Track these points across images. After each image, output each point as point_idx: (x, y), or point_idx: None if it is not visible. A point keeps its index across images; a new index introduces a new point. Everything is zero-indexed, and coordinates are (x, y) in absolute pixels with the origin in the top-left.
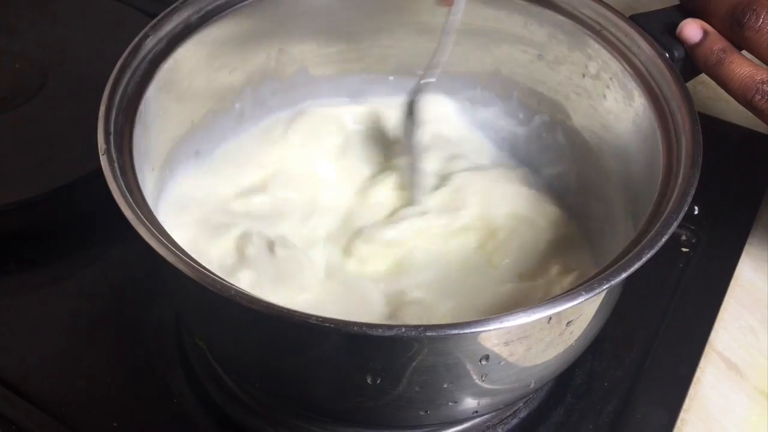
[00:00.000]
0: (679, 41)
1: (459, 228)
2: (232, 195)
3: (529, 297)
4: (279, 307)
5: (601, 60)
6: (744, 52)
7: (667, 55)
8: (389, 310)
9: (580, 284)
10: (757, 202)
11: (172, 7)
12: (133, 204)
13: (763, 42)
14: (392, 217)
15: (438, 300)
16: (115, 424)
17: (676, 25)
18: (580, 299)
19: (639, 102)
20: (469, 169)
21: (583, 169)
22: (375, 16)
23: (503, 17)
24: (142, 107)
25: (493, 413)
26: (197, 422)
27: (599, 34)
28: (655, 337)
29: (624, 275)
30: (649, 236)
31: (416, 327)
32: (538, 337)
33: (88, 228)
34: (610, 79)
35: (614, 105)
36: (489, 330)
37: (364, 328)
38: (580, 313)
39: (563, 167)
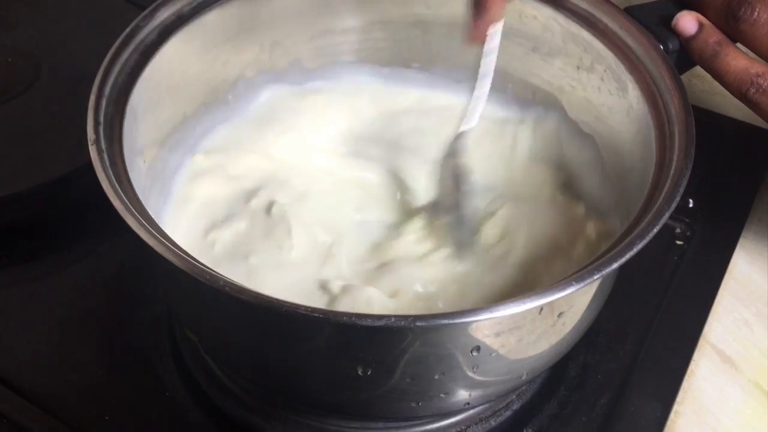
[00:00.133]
0: (674, 33)
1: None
2: (228, 189)
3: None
4: (267, 297)
5: (595, 52)
6: (739, 45)
7: (661, 47)
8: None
9: (571, 274)
10: (752, 196)
11: None
12: (122, 194)
13: (759, 35)
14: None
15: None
16: (107, 418)
17: (671, 17)
18: (571, 289)
19: (633, 94)
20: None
21: (578, 161)
22: (368, 8)
23: None
24: (133, 98)
25: (486, 405)
26: (189, 415)
27: (593, 26)
28: (649, 330)
29: (615, 265)
30: (640, 227)
31: (406, 317)
32: (529, 328)
33: (81, 222)
34: (605, 71)
35: (608, 97)
36: (479, 320)
37: (353, 318)
38: (571, 304)
39: (558, 160)
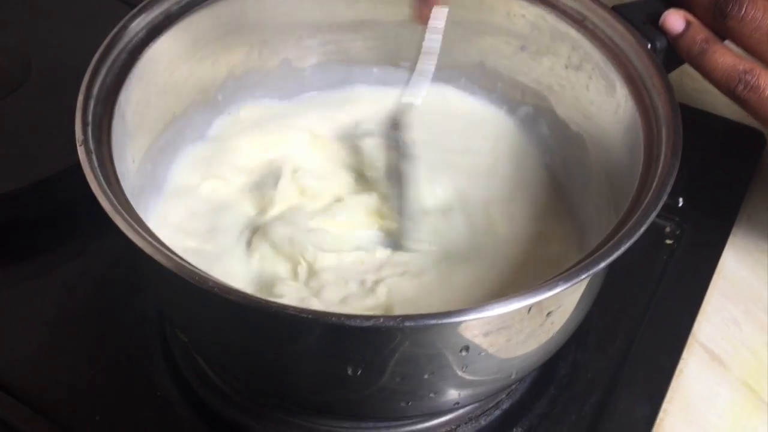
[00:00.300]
0: (662, 32)
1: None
2: (216, 190)
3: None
4: (256, 298)
5: (583, 51)
6: (727, 42)
7: (649, 45)
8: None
9: (559, 274)
10: (742, 194)
11: None
12: (111, 195)
13: (746, 31)
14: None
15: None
16: (97, 418)
17: (658, 15)
18: (559, 289)
19: (621, 93)
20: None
21: (568, 160)
22: (357, 7)
23: (486, 8)
24: (121, 98)
25: (476, 404)
26: (180, 415)
27: (581, 24)
28: (638, 329)
29: (602, 265)
30: (628, 226)
31: (394, 317)
32: (518, 328)
33: (71, 221)
34: (593, 69)
35: (597, 96)
36: (468, 320)
37: (342, 319)
38: (560, 303)
39: (547, 158)
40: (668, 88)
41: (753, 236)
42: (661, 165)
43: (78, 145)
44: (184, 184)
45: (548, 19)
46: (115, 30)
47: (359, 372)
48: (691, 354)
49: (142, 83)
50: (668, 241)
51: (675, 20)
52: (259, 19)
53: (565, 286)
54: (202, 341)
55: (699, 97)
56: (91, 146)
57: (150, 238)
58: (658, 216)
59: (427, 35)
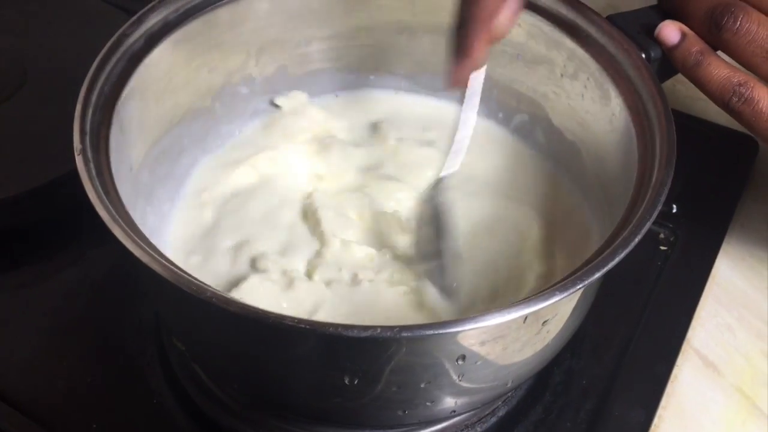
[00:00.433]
0: (657, 42)
1: None
2: (215, 196)
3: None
4: (254, 308)
5: (578, 60)
6: (721, 54)
7: (643, 55)
8: None
9: (555, 284)
10: (735, 201)
11: (150, 5)
12: (108, 204)
13: (741, 44)
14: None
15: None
16: (94, 426)
17: (653, 25)
18: (555, 299)
19: (615, 102)
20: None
21: (562, 168)
22: (354, 15)
23: None
24: (119, 106)
25: (473, 412)
26: (177, 423)
27: (576, 34)
28: (633, 335)
29: (597, 275)
30: (622, 236)
31: (391, 328)
32: (514, 337)
33: (69, 227)
34: (588, 78)
35: (591, 104)
36: (464, 330)
37: (339, 329)
38: (555, 312)
39: (545, 167)
40: (662, 97)
41: (746, 243)
42: (655, 175)
43: (76, 154)
44: (183, 191)
45: (544, 28)
46: (114, 38)
47: (356, 381)
48: (686, 360)
49: (140, 91)
50: (662, 248)
51: (670, 32)
52: (256, 27)
53: (560, 297)
54: (199, 350)
55: (692, 104)
56: (89, 155)
57: (147, 247)
58: (652, 223)
59: (467, 101)
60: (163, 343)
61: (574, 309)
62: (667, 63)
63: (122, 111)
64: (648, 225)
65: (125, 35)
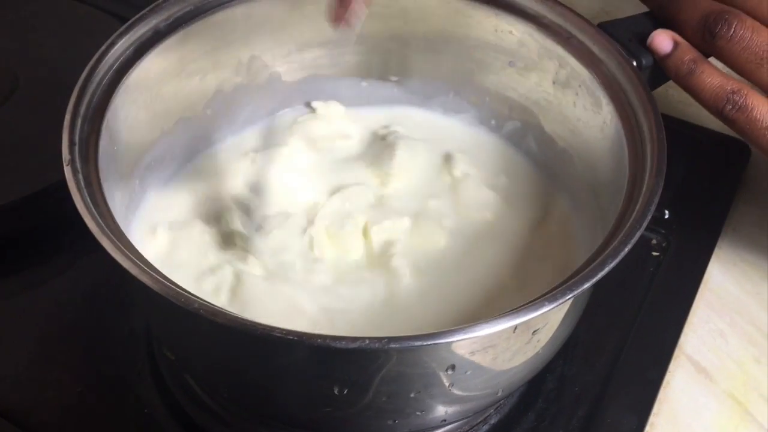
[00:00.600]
0: (649, 51)
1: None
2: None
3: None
4: (242, 319)
5: (570, 67)
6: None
7: (634, 63)
8: None
9: (544, 294)
10: (727, 206)
11: (140, 14)
12: (97, 215)
13: (735, 51)
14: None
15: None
16: None
17: (645, 32)
18: (544, 309)
19: (606, 110)
20: None
21: (554, 176)
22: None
23: (474, 24)
24: (109, 116)
25: (464, 420)
26: None
27: (568, 41)
28: (625, 341)
29: (587, 285)
30: (612, 246)
31: (380, 339)
32: (504, 346)
33: (58, 236)
34: (579, 86)
35: (583, 112)
36: (453, 341)
37: (327, 341)
38: (545, 322)
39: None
40: (653, 105)
41: (739, 248)
42: (645, 183)
43: (64, 164)
44: (171, 201)
45: (535, 36)
46: (103, 48)
47: (345, 391)
48: (678, 366)
49: (130, 100)
50: (654, 253)
51: (662, 41)
52: (246, 35)
53: (550, 307)
54: (188, 360)
55: (684, 109)
56: (78, 165)
57: (135, 258)
58: (642, 231)
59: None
60: (154, 352)
61: (565, 318)
62: (658, 71)
63: (112, 120)
64: (638, 235)
65: (114, 44)
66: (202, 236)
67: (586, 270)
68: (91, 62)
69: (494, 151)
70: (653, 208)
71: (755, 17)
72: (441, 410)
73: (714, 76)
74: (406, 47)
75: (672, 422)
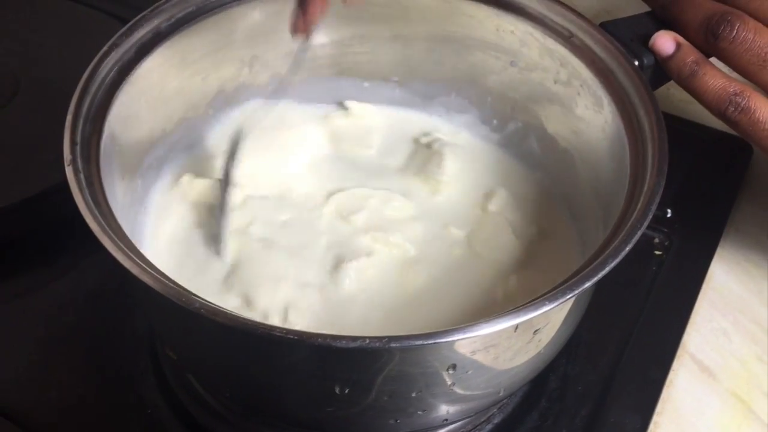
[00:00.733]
0: (651, 51)
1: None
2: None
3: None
4: (242, 319)
5: (571, 67)
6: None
7: (636, 62)
8: None
9: (545, 293)
10: (730, 205)
11: (141, 15)
12: (99, 215)
13: (737, 53)
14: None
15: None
16: None
17: (646, 32)
18: (545, 308)
19: (608, 110)
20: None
21: (556, 176)
22: (348, 22)
23: (475, 24)
24: (110, 116)
25: (467, 419)
26: None
27: (569, 41)
28: (628, 340)
29: (587, 284)
30: (613, 245)
31: (380, 338)
32: (505, 346)
33: (61, 237)
34: (581, 86)
35: (585, 112)
36: (454, 340)
37: (327, 340)
38: (547, 321)
39: (537, 174)
40: (654, 105)
41: (741, 246)
42: (646, 184)
43: (66, 165)
44: (173, 202)
45: (536, 35)
46: (105, 48)
47: (347, 390)
48: (681, 365)
49: (132, 101)
50: (657, 252)
51: (665, 42)
52: (248, 36)
53: (550, 306)
54: (190, 359)
55: (686, 108)
56: (80, 165)
57: (136, 258)
58: (646, 227)
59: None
60: (157, 353)
61: (566, 317)
62: (660, 71)
63: (114, 120)
64: (638, 234)
65: (116, 45)
66: (206, 238)
67: (587, 269)
68: (93, 62)
69: (496, 151)
70: (654, 208)
71: (758, 18)
72: (443, 409)
73: (716, 77)
74: (407, 48)
75: (675, 421)
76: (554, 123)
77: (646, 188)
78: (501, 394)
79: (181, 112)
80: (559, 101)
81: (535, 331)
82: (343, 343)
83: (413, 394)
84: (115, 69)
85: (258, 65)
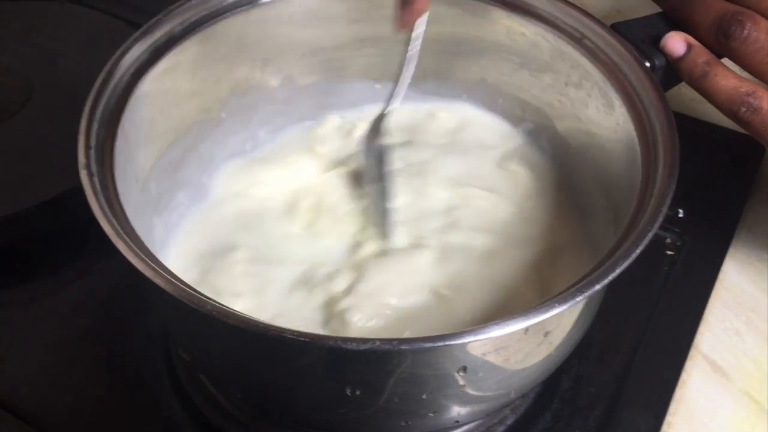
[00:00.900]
0: (662, 53)
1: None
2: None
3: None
4: (254, 321)
5: (582, 69)
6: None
7: (647, 64)
8: None
9: (556, 295)
10: (742, 204)
11: (154, 19)
12: (113, 219)
13: (749, 52)
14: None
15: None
16: None
17: (657, 33)
18: (555, 311)
19: (619, 111)
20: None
21: (567, 177)
22: (359, 24)
23: (486, 26)
24: (124, 120)
25: (480, 421)
26: None
27: (580, 42)
28: (640, 341)
29: (598, 286)
30: (624, 247)
31: (390, 341)
32: (516, 348)
33: (76, 241)
34: (592, 87)
35: (596, 113)
36: (463, 343)
37: (338, 342)
38: (558, 323)
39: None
40: (665, 106)
41: (754, 246)
42: (658, 184)
43: (80, 168)
44: (190, 204)
45: (547, 37)
46: (118, 53)
47: (358, 392)
48: (694, 365)
49: (145, 105)
50: (669, 252)
51: (676, 43)
52: (261, 38)
53: (561, 308)
54: (203, 361)
55: (698, 107)
56: (94, 169)
57: (150, 261)
58: (655, 232)
59: (411, 43)
60: (171, 355)
61: (578, 319)
62: (671, 72)
63: (127, 124)
64: (650, 236)
65: (129, 49)
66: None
67: (598, 271)
68: (107, 66)
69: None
70: (665, 209)
71: None
72: (454, 411)
73: (728, 78)
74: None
75: (689, 421)
76: (566, 124)
77: (657, 189)
78: (512, 395)
79: (194, 115)
80: (570, 102)
81: (546, 333)
82: (353, 346)
83: (424, 396)
84: (128, 73)
85: (270, 68)
